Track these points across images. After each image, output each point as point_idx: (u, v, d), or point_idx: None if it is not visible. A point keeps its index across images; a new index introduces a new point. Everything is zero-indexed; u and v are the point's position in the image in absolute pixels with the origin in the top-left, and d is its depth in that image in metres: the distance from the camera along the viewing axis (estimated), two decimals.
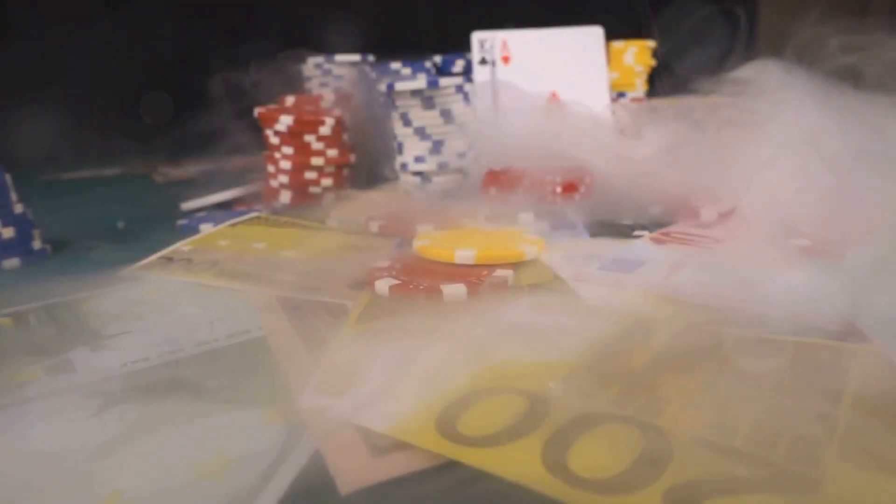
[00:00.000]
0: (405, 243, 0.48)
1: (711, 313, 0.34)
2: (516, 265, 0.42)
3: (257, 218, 0.55)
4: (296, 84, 0.77)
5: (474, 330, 0.33)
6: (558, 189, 0.59)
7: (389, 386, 0.27)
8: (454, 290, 0.38)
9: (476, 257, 0.42)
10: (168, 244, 0.50)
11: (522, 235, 0.47)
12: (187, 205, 0.67)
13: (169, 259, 0.46)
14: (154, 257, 0.47)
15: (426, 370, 0.29)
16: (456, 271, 0.42)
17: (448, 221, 0.52)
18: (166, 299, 0.40)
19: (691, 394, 0.26)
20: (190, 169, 0.96)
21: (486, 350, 0.30)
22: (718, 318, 0.33)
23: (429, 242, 0.45)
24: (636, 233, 0.49)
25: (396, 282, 0.39)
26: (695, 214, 0.54)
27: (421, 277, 0.40)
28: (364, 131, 0.72)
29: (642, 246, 0.45)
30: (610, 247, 0.46)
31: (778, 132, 0.55)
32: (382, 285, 0.39)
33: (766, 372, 0.27)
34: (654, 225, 0.52)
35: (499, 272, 0.41)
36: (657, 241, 0.47)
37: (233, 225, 0.53)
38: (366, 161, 0.70)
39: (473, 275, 0.41)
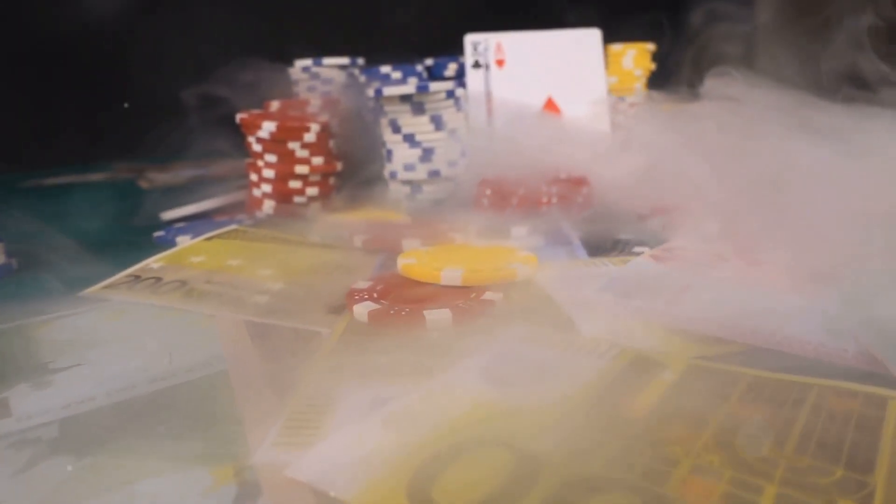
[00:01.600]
0: (390, 260, 0.45)
1: (721, 347, 0.31)
2: (507, 286, 0.39)
3: (236, 231, 0.51)
4: (283, 88, 0.73)
5: (457, 366, 0.29)
6: (554, 200, 0.56)
7: (358, 439, 0.24)
8: (438, 316, 0.34)
9: (463, 278, 0.39)
10: (142, 258, 0.47)
11: (514, 252, 0.43)
12: (167, 214, 0.63)
13: (136, 277, 0.43)
14: (121, 275, 0.43)
15: (401, 417, 0.25)
16: (442, 293, 0.38)
17: (437, 236, 0.49)
18: (126, 326, 0.36)
19: (702, 453, 0.22)
20: (178, 174, 0.93)
21: (469, 391, 0.27)
22: (729, 355, 0.30)
23: (414, 261, 0.41)
24: (636, 249, 0.46)
25: (376, 306, 0.36)
26: (696, 227, 0.51)
27: (403, 301, 0.37)
28: (352, 138, 0.68)
29: (642, 264, 0.42)
30: (607, 266, 0.42)
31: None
32: (361, 310, 0.36)
33: (787, 425, 0.23)
34: (654, 239, 0.49)
35: (488, 295, 0.37)
36: (658, 258, 0.43)
37: (209, 238, 0.50)
38: (354, 169, 0.66)
39: (461, 297, 0.37)
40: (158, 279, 0.42)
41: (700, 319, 0.33)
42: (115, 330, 0.35)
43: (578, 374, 0.28)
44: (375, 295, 0.38)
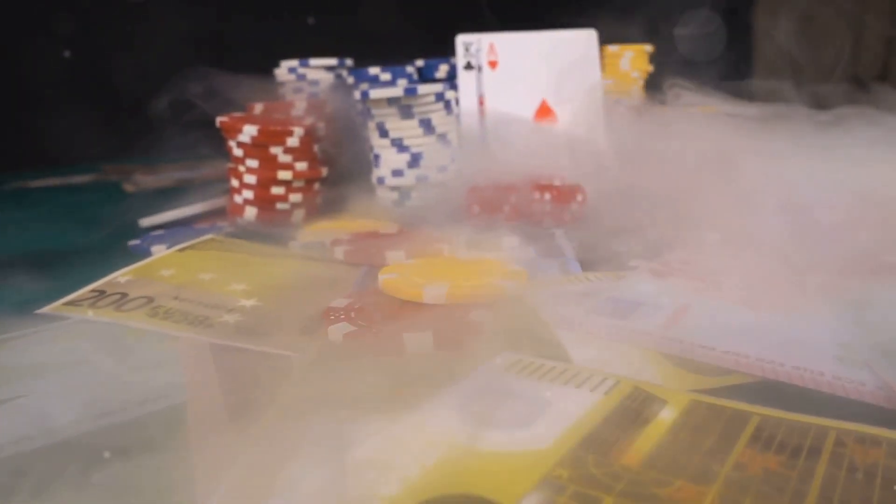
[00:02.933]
0: (372, 273, 0.42)
1: (725, 378, 0.28)
2: (494, 304, 0.36)
3: (212, 240, 0.48)
4: (270, 90, 0.70)
5: (435, 401, 0.26)
6: (547, 208, 0.53)
7: (319, 492, 0.21)
8: (418, 340, 0.31)
9: (447, 295, 0.36)
10: (114, 269, 0.44)
11: (503, 266, 0.40)
12: (146, 220, 0.60)
13: (101, 293, 0.40)
14: (85, 290, 0.40)
15: (366, 466, 0.22)
16: (425, 312, 0.35)
17: (423, 247, 0.46)
18: (81, 349, 0.33)
19: None
20: (165, 176, 0.90)
21: (445, 434, 0.24)
22: (735, 388, 0.27)
23: (395, 276, 0.38)
24: (632, 262, 0.43)
25: (352, 328, 0.33)
26: (695, 238, 0.48)
27: (383, 321, 0.34)
28: (340, 142, 0.65)
29: (640, 280, 0.39)
30: (602, 281, 0.39)
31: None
32: (336, 332, 0.33)
33: (803, 480, 0.20)
34: (651, 251, 0.46)
35: (474, 314, 0.34)
36: (656, 273, 0.40)
37: (182, 249, 0.46)
38: (342, 174, 0.63)
39: (444, 316, 0.34)
40: (124, 295, 0.39)
41: (701, 347, 0.30)
42: (69, 354, 0.32)
43: (567, 411, 0.25)
44: (353, 314, 0.35)
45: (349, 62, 0.70)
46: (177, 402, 0.27)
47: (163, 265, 0.43)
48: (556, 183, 0.55)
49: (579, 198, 0.53)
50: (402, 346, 0.31)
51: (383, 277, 0.38)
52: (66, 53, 1.06)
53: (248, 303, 0.38)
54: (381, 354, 0.31)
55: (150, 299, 0.38)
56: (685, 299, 0.35)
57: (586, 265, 0.43)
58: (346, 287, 0.40)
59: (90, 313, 0.37)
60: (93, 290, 0.40)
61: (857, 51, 1.52)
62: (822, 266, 0.39)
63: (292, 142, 0.56)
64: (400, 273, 0.39)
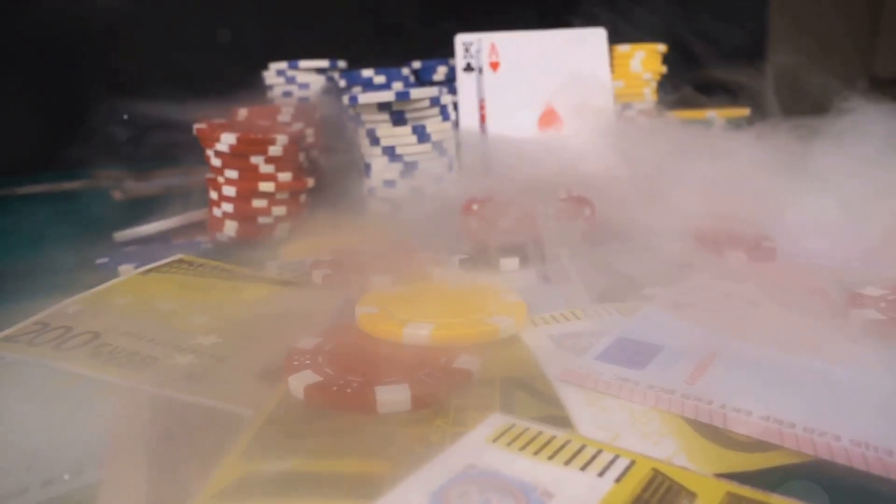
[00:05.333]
0: (353, 301, 0.36)
1: (767, 458, 0.22)
2: (487, 347, 0.30)
3: (180, 262, 0.43)
4: (258, 93, 0.65)
5: (403, 488, 0.20)
6: (551, 223, 0.47)
7: None
8: (392, 396, 0.26)
9: (432, 336, 0.30)
10: (73, 292, 0.38)
11: (499, 297, 0.34)
12: (121, 234, 0.55)
13: (44, 326, 0.34)
14: (28, 322, 0.35)
15: None
16: (405, 357, 0.29)
17: (411, 269, 0.40)
18: None
19: None
20: (156, 183, 0.84)
21: None
22: (780, 472, 0.21)
23: (375, 311, 0.32)
24: (647, 290, 0.37)
25: (316, 379, 0.27)
26: (718, 255, 0.42)
27: (354, 369, 0.28)
28: (330, 149, 0.60)
29: (655, 316, 0.33)
30: (613, 316, 0.33)
31: None
32: (297, 383, 0.27)
33: None
34: (668, 276, 0.40)
35: (461, 360, 0.28)
36: (676, 305, 0.34)
37: (146, 272, 0.41)
38: (332, 184, 0.58)
39: (427, 363, 0.28)
40: (68, 329, 0.34)
41: (734, 411, 0.24)
42: None
43: None
44: (320, 359, 0.29)
45: (342, 64, 0.64)
46: (89, 483, 0.22)
47: (119, 292, 0.38)
48: (562, 196, 0.49)
49: (587, 212, 0.47)
50: (374, 404, 0.26)
51: (360, 311, 0.32)
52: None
53: (206, 340, 0.32)
54: (348, 411, 0.26)
55: (96, 335, 0.33)
56: (711, 341, 0.29)
57: (594, 291, 0.37)
58: (321, 319, 0.35)
59: (28, 353, 0.32)
60: (35, 323, 0.35)
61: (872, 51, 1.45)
62: (868, 297, 0.33)
63: (274, 150, 0.50)
64: (380, 306, 0.33)
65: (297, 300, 0.37)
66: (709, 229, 0.44)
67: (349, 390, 0.26)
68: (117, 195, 0.80)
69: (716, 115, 0.63)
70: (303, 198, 0.53)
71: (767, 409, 0.24)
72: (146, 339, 0.32)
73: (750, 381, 0.26)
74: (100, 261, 0.48)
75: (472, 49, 0.60)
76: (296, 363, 0.29)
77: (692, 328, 0.31)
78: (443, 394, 0.26)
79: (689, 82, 0.68)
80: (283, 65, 0.63)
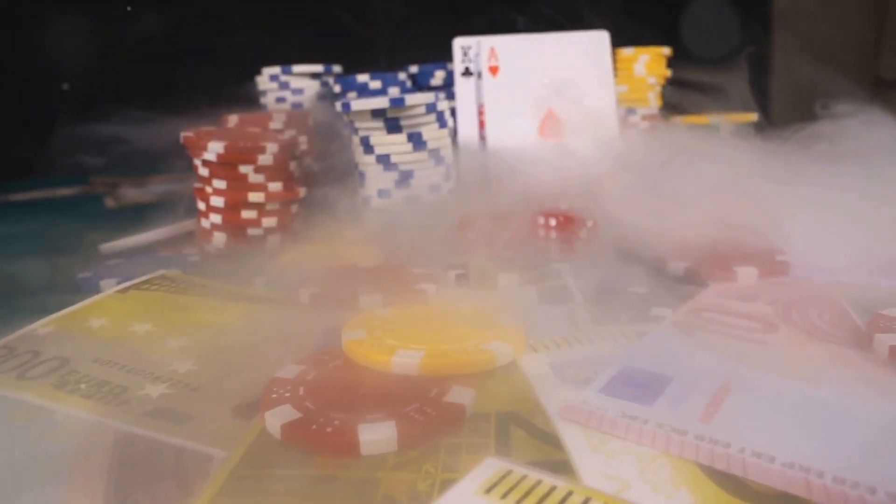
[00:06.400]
0: (342, 322, 0.33)
1: None
2: (482, 377, 0.27)
3: (162, 278, 0.40)
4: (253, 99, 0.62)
5: None
6: (552, 236, 0.44)
7: None
8: (377, 435, 0.23)
9: (422, 366, 0.27)
10: (53, 307, 0.36)
11: (496, 319, 0.32)
12: (107, 246, 0.52)
13: (10, 350, 0.32)
14: None
15: None
16: (392, 388, 0.27)
17: (404, 286, 0.37)
18: None
19: None
20: (150, 190, 0.82)
21: None
22: None
23: (362, 335, 0.30)
24: (654, 310, 0.34)
25: (295, 415, 0.25)
26: (728, 273, 0.39)
27: (337, 403, 0.26)
28: (325, 157, 0.57)
29: (663, 341, 0.30)
30: (616, 341, 0.30)
31: None
32: (275, 420, 0.24)
33: None
34: (675, 292, 0.37)
35: (453, 393, 0.26)
36: (684, 327, 0.32)
37: (126, 290, 0.39)
38: (327, 193, 0.55)
39: (417, 396, 0.26)
40: (36, 354, 0.31)
41: (754, 456, 0.21)
42: None
43: None
44: (301, 390, 0.26)
45: (337, 68, 0.62)
46: None
47: (94, 312, 0.35)
48: (563, 207, 0.46)
49: (590, 223, 0.45)
50: (357, 446, 0.23)
51: (347, 336, 0.30)
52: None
53: (182, 366, 0.30)
54: (328, 453, 0.23)
55: (65, 361, 0.30)
56: (725, 371, 0.27)
57: (598, 312, 0.35)
58: (306, 343, 0.32)
59: None
60: (2, 347, 0.32)
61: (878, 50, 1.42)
62: (894, 319, 0.31)
63: (264, 159, 0.48)
64: (368, 329, 0.30)
65: (282, 321, 0.35)
66: (717, 242, 0.41)
67: (329, 429, 0.24)
68: (110, 203, 0.78)
69: (723, 120, 0.60)
70: (294, 208, 0.51)
71: (792, 454, 0.21)
72: (118, 367, 0.30)
73: (770, 418, 0.23)
74: (82, 275, 0.46)
75: (471, 53, 0.57)
76: (274, 396, 0.26)
77: (704, 355, 0.28)
78: (432, 432, 0.24)
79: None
80: (276, 69, 0.60)
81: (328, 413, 0.25)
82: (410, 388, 0.26)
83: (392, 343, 0.29)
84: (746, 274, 0.39)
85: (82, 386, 0.28)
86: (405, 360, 0.27)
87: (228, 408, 0.27)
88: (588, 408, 0.24)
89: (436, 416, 0.24)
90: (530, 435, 0.24)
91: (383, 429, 0.23)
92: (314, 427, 0.24)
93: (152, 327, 0.34)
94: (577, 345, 0.30)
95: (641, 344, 0.30)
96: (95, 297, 0.38)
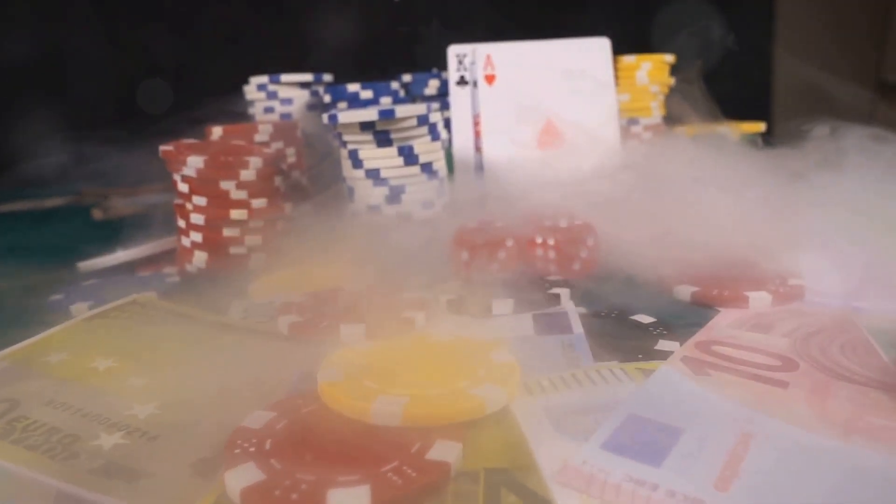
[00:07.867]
0: (321, 357, 0.30)
1: None
2: (470, 426, 0.24)
3: (132, 304, 0.37)
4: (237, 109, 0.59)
5: None
6: (551, 256, 0.41)
7: None
8: (349, 502, 0.20)
9: (405, 415, 0.24)
10: (18, 336, 0.33)
11: (489, 355, 0.29)
12: (85, 264, 0.49)
13: None
14: None
15: None
16: (370, 443, 0.24)
17: (391, 313, 0.34)
18: None
19: None
20: (139, 201, 0.79)
21: None
22: None
23: (339, 377, 0.27)
24: (661, 345, 0.31)
25: (258, 477, 0.22)
26: (740, 298, 0.36)
27: (307, 461, 0.22)
28: (314, 170, 0.54)
29: (672, 383, 0.27)
30: (621, 383, 0.27)
31: None
32: (235, 483, 0.21)
33: None
34: (682, 319, 0.34)
35: (437, 449, 0.23)
36: (694, 364, 0.28)
37: (92, 318, 0.36)
38: (316, 208, 0.52)
39: (397, 452, 0.23)
40: None
41: None
42: None
43: None
44: (267, 444, 0.23)
45: (327, 77, 0.59)
46: None
47: (55, 345, 0.32)
48: (562, 224, 0.43)
49: (590, 241, 0.42)
50: None
51: (323, 378, 0.27)
52: None
53: (143, 410, 0.27)
54: None
55: (15, 405, 0.27)
56: (742, 420, 0.24)
57: (599, 345, 0.32)
58: (281, 382, 0.29)
59: None
60: None
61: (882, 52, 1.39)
62: None
63: (247, 175, 0.45)
64: (347, 370, 0.27)
65: (257, 356, 0.32)
66: (727, 266, 0.38)
67: (295, 496, 0.21)
68: (97, 214, 0.75)
69: (729, 130, 0.57)
70: (280, 225, 0.48)
71: None
72: (71, 410, 0.27)
73: (797, 484, 0.20)
74: (53, 297, 0.43)
75: (466, 61, 0.54)
76: (237, 451, 0.23)
77: (716, 400, 0.25)
78: (412, 497, 0.21)
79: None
80: (264, 79, 0.57)
81: (295, 474, 0.22)
82: (390, 442, 0.23)
83: (372, 386, 0.26)
84: (759, 300, 0.36)
85: (32, 433, 0.25)
86: (386, 408, 0.24)
87: (188, 463, 0.24)
88: (588, 469, 0.21)
89: (416, 478, 0.21)
90: (523, 501, 0.21)
91: (356, 495, 0.20)
92: (277, 493, 0.21)
93: (115, 363, 0.31)
94: (577, 385, 0.27)
95: (647, 386, 0.26)
96: (58, 327, 0.35)
